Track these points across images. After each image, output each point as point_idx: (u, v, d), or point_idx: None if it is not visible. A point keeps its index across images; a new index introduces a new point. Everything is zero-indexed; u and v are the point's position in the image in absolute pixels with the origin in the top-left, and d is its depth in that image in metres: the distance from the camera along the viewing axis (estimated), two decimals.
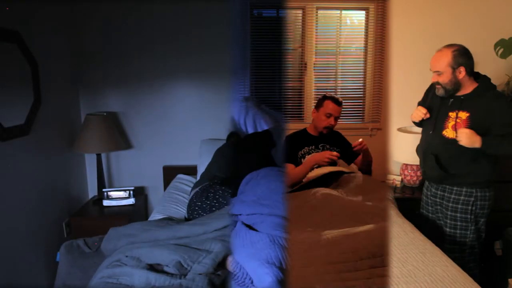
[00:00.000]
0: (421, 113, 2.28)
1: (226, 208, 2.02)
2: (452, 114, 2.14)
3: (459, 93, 2.14)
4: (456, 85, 2.11)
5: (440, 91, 2.16)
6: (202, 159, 2.92)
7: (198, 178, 2.65)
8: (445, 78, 2.10)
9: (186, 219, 2.25)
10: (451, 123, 2.13)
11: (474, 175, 2.14)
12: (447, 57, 2.08)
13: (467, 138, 2.02)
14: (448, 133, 2.14)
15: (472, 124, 2.06)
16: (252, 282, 1.39)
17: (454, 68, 2.07)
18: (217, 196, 2.20)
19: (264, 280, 1.31)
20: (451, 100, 2.17)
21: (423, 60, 3.10)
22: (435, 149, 2.22)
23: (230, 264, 1.61)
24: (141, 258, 1.64)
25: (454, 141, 2.08)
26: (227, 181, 2.36)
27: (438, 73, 2.12)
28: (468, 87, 2.12)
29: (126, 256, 1.67)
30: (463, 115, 2.10)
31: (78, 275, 2.26)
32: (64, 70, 2.91)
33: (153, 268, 1.58)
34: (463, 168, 2.15)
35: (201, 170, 2.81)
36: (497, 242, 2.69)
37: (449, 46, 2.11)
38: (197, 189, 2.36)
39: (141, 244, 1.74)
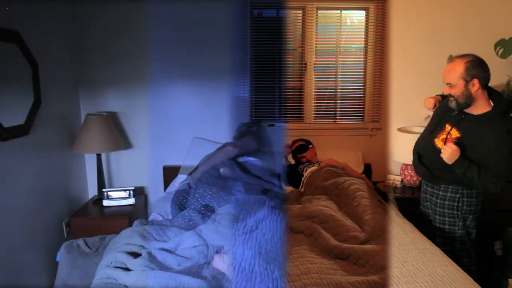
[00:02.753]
0: (434, 99, 2.31)
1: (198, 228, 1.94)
2: (448, 127, 2.10)
3: (469, 109, 2.03)
4: (469, 99, 1.98)
5: (452, 104, 2.05)
6: (188, 155, 2.99)
7: (182, 173, 2.70)
8: (457, 91, 1.98)
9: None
10: (443, 135, 2.11)
11: (458, 180, 2.11)
12: (459, 69, 1.95)
13: (449, 154, 1.98)
14: (437, 142, 2.13)
15: (458, 145, 2.01)
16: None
17: (467, 81, 1.95)
18: (196, 195, 2.20)
19: None
20: (455, 112, 2.10)
21: (423, 60, 3.13)
22: (421, 150, 2.25)
23: (217, 262, 1.66)
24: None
25: (438, 151, 2.07)
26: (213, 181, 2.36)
27: (450, 85, 2.00)
28: (480, 106, 2.01)
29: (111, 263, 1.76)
30: (454, 134, 2.05)
31: (78, 275, 2.26)
32: (64, 70, 2.91)
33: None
34: (446, 174, 2.13)
35: (185, 166, 2.89)
36: (497, 242, 2.69)
37: (462, 56, 1.98)
38: (181, 183, 2.37)
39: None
